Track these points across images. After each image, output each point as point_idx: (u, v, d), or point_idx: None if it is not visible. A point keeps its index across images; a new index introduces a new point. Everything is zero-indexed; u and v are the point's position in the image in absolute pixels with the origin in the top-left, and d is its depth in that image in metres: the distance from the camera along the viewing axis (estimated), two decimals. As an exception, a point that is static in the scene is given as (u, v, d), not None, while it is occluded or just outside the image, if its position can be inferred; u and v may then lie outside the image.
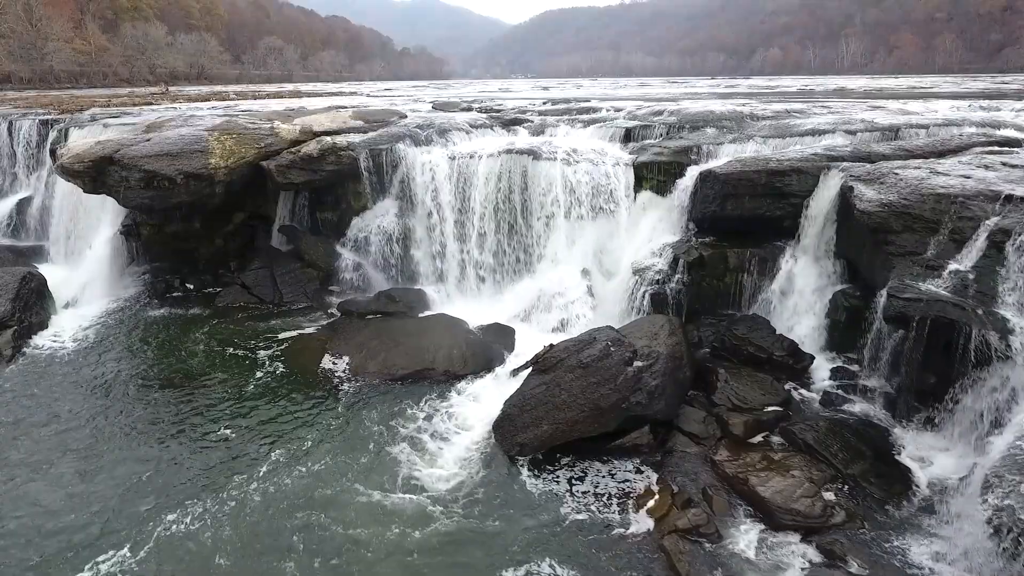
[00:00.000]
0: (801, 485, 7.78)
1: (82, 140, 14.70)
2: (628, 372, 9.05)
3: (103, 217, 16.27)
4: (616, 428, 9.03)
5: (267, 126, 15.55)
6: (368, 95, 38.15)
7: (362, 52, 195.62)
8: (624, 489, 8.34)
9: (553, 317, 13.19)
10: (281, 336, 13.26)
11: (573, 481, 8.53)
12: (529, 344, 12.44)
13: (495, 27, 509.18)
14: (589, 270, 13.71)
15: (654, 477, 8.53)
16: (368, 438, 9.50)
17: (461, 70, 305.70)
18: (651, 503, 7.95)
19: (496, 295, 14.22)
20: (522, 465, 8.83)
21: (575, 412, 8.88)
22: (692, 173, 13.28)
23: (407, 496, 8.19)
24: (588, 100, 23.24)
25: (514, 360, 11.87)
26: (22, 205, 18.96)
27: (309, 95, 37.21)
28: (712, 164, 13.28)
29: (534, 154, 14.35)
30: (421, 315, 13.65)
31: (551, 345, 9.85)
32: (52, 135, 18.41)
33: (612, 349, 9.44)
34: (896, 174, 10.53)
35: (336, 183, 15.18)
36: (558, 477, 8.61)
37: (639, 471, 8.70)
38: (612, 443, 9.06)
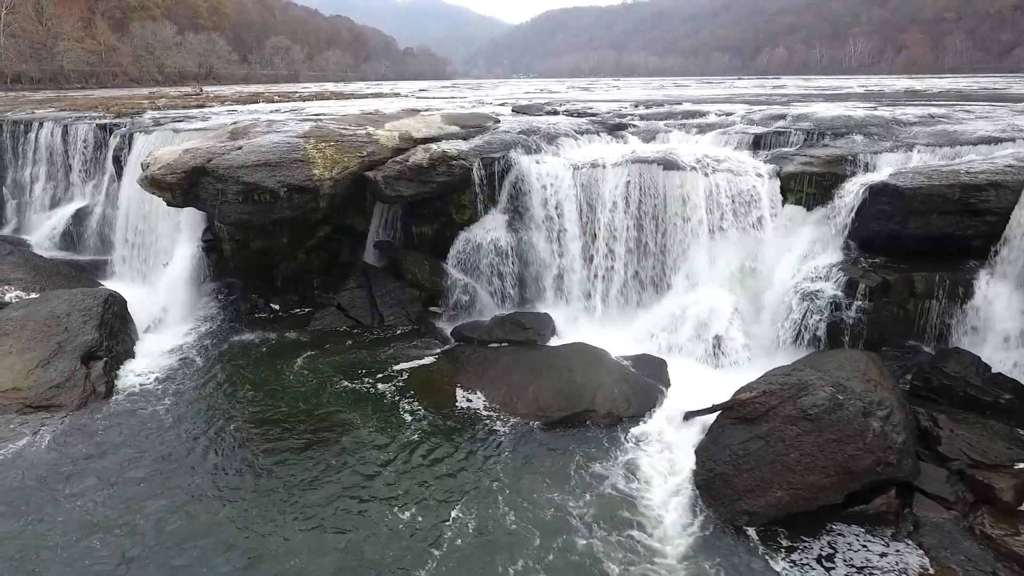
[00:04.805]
0: None
1: (168, 148, 13.27)
2: (874, 427, 7.72)
3: (179, 230, 14.88)
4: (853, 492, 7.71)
5: (363, 132, 14.18)
6: (413, 96, 36.75)
7: (366, 52, 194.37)
8: (891, 569, 7.00)
9: (700, 345, 11.87)
10: (397, 367, 11.87)
11: (823, 560, 7.17)
12: (683, 378, 11.17)
13: (495, 27, 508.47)
14: (734, 291, 12.40)
15: (919, 555, 7.18)
16: (551, 502, 8.07)
17: (463, 70, 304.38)
18: (941, 593, 6.63)
19: (628, 319, 12.87)
20: (752, 539, 7.49)
21: (819, 476, 7.53)
22: (854, 185, 11.96)
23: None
24: (680, 103, 21.93)
25: (675, 398, 10.53)
26: (79, 215, 17.56)
27: (353, 96, 35.78)
28: (876, 176, 11.99)
29: (665, 163, 13.02)
30: (552, 343, 12.31)
31: (764, 391, 8.49)
32: (114, 141, 16.98)
33: (840, 398, 8.11)
34: None
35: (441, 194, 13.81)
36: (804, 556, 7.24)
37: (893, 544, 7.34)
38: (846, 510, 7.74)
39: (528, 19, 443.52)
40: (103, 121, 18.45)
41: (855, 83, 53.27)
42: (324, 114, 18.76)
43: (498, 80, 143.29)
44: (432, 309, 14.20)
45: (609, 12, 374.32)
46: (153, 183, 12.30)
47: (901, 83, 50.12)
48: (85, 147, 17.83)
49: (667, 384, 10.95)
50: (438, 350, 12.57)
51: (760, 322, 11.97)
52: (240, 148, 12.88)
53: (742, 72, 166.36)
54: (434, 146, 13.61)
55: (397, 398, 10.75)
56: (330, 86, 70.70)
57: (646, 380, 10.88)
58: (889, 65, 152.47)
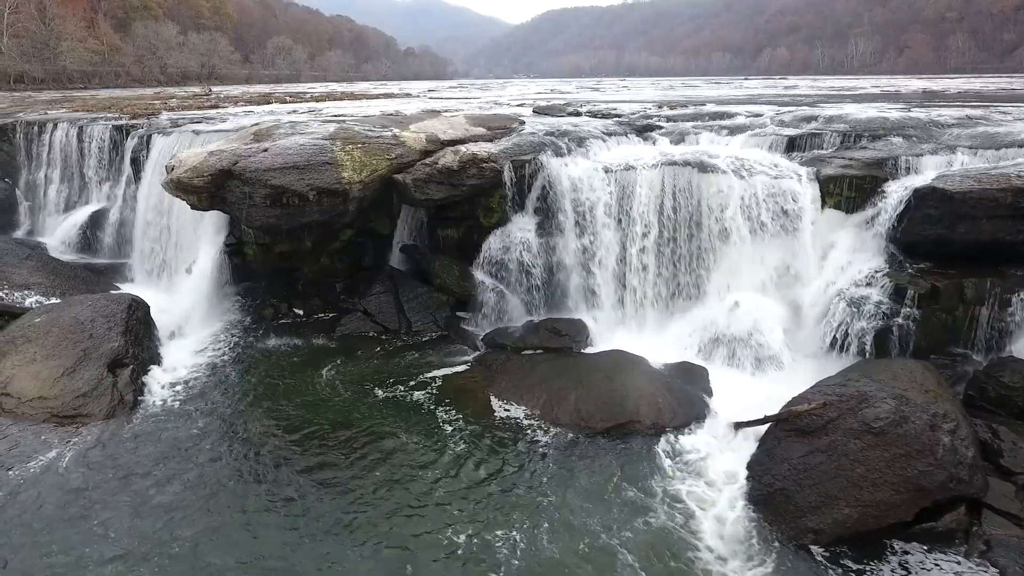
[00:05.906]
0: None
1: (193, 151, 12.98)
2: (944, 441, 7.44)
3: (200, 234, 14.60)
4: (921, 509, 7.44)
5: (388, 134, 13.89)
6: (425, 96, 36.45)
7: (367, 52, 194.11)
8: (970, 592, 6.73)
9: (741, 352, 11.59)
10: (430, 375, 11.59)
11: (897, 581, 6.91)
12: (725, 386, 10.89)
13: (495, 26, 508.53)
14: (774, 297, 12.12)
15: (994, 575, 6.92)
16: (595, 528, 7.62)
17: (463, 70, 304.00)
18: (1026, 618, 6.34)
19: (665, 325, 12.59)
20: (819, 559, 7.21)
21: (888, 492, 7.26)
22: (897, 189, 11.69)
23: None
24: (704, 103, 21.67)
25: (720, 408, 10.24)
26: (95, 218, 17.26)
27: (364, 96, 35.48)
28: (920, 179, 11.72)
29: (700, 166, 12.74)
30: (587, 350, 12.03)
31: (823, 403, 8.20)
32: (132, 143, 16.68)
33: (905, 411, 7.82)
34: None
35: (469, 198, 13.52)
36: (876, 577, 6.98)
37: (966, 563, 7.05)
38: (912, 527, 7.45)
39: (529, 19, 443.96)
40: (119, 122, 18.14)
41: (867, 83, 52.85)
42: (343, 115, 18.48)
43: (502, 80, 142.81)
44: (460, 314, 13.94)
45: (610, 12, 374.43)
46: (179, 186, 12.01)
47: (914, 83, 49.77)
48: (101, 149, 17.52)
49: (710, 393, 10.67)
50: (470, 357, 12.29)
51: (802, 329, 11.69)
52: (266, 150, 12.58)
53: (744, 72, 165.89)
54: (463, 148, 13.32)
55: (434, 407, 10.46)
56: (336, 86, 70.41)
57: (689, 389, 10.60)
58: (891, 65, 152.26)
